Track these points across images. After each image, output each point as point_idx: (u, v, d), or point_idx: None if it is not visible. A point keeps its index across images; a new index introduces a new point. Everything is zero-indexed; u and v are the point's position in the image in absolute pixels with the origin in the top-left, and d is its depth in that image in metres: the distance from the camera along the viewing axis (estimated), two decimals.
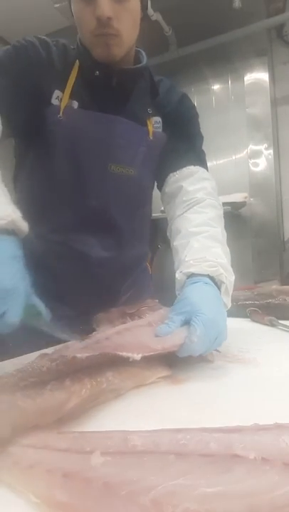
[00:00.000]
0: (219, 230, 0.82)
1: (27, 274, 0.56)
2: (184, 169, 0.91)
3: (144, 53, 0.91)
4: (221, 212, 0.89)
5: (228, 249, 0.79)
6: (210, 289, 0.67)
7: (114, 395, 0.48)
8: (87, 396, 0.43)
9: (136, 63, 0.88)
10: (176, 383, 0.52)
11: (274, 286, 1.20)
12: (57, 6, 2.46)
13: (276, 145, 2.53)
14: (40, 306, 0.56)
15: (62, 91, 0.82)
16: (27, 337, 0.80)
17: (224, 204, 2.52)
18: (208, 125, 2.59)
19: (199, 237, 0.78)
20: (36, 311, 0.55)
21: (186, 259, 0.73)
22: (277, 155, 2.53)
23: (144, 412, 0.45)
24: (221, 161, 2.59)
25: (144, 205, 0.97)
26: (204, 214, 0.84)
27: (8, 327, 0.49)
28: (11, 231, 0.57)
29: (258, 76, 2.49)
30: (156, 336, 0.56)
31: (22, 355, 0.70)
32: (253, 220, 2.44)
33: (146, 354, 0.50)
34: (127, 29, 0.78)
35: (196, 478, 0.28)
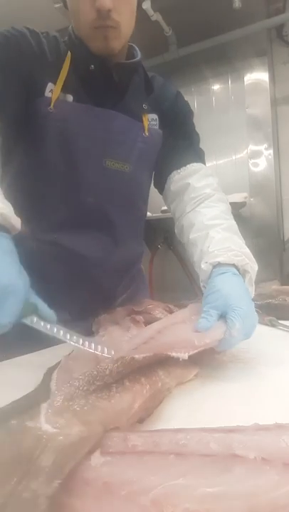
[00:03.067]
0: (234, 223, 0.83)
1: (24, 271, 0.54)
2: (189, 166, 0.91)
3: (137, 48, 0.90)
4: (228, 205, 0.89)
5: (244, 241, 0.80)
6: (238, 280, 0.67)
7: (167, 393, 0.49)
8: (149, 395, 0.43)
9: (129, 57, 0.87)
10: (176, 383, 0.52)
11: (274, 286, 1.20)
12: (57, 6, 2.45)
13: (276, 145, 2.53)
14: (42, 305, 0.54)
15: (55, 83, 0.79)
16: (27, 337, 0.80)
17: None
18: (208, 125, 2.60)
19: (218, 228, 0.78)
20: (35, 310, 0.53)
21: (210, 250, 0.73)
22: (277, 155, 2.53)
23: None
24: (221, 161, 2.58)
25: (140, 203, 0.96)
26: (216, 208, 0.85)
27: (2, 327, 0.47)
28: (2, 227, 0.56)
29: (258, 76, 2.48)
30: (197, 330, 0.56)
31: (22, 354, 0.70)
32: (253, 220, 2.44)
33: (192, 352, 0.51)
34: (126, 21, 0.76)
35: (196, 478, 0.28)
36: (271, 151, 2.44)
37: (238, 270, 0.70)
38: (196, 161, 0.93)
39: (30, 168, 0.83)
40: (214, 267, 0.70)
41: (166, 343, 0.54)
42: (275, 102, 2.55)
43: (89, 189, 0.83)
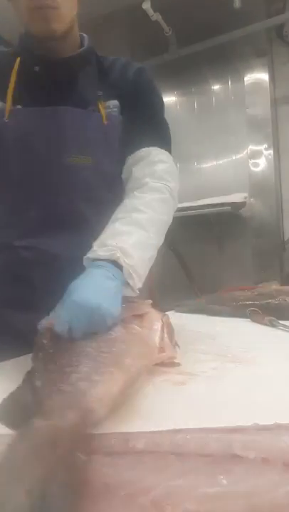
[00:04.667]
0: (146, 216, 0.77)
1: None
2: (137, 152, 0.86)
3: (86, 36, 0.88)
4: (165, 196, 0.83)
5: (150, 235, 0.76)
6: (99, 270, 0.66)
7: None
8: (123, 382, 0.45)
9: (80, 47, 0.86)
10: (176, 383, 0.52)
11: (274, 286, 1.20)
12: None
13: (276, 145, 2.53)
14: None
15: (5, 95, 0.81)
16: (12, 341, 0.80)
17: (224, 204, 2.53)
18: (208, 125, 2.61)
19: (117, 223, 0.76)
20: None
21: (93, 245, 0.72)
22: (278, 155, 2.53)
23: (144, 412, 0.44)
24: (221, 161, 2.58)
25: (114, 193, 0.91)
26: (139, 199, 0.80)
27: None
28: None
29: (258, 76, 2.48)
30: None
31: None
32: (253, 220, 2.44)
33: None
34: (66, 2, 0.74)
35: (196, 478, 0.28)
36: (271, 151, 2.44)
37: (117, 264, 0.68)
38: (148, 145, 0.87)
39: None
40: (90, 262, 0.70)
41: None
42: (275, 102, 2.55)
43: (56, 189, 0.83)
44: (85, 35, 0.88)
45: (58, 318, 0.58)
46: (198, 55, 2.53)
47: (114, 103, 0.87)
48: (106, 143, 0.86)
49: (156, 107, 0.93)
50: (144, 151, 0.86)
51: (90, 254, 0.70)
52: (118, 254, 0.68)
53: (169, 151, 0.90)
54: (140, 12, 2.29)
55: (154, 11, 2.30)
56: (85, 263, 0.71)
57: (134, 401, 0.48)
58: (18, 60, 0.83)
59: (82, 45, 0.87)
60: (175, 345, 0.64)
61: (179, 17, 2.44)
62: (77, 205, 0.84)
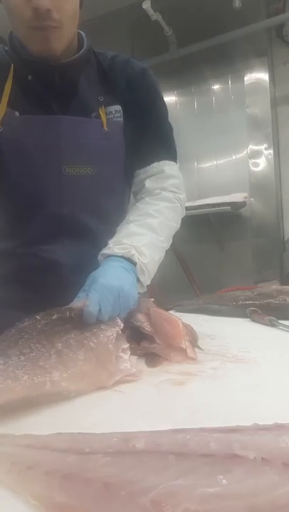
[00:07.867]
0: (157, 221, 0.81)
1: None
2: (148, 168, 0.86)
3: (83, 34, 0.82)
4: (176, 205, 0.86)
5: (161, 238, 0.80)
6: (116, 264, 0.71)
7: (62, 398, 0.48)
8: (23, 395, 0.44)
9: (79, 48, 0.80)
10: (176, 383, 0.52)
11: (274, 286, 1.20)
12: None
13: (276, 145, 2.53)
14: None
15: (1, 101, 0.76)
16: None
17: (224, 204, 2.53)
18: (208, 125, 2.61)
19: (131, 224, 0.80)
20: None
21: (108, 243, 0.76)
22: (277, 155, 2.53)
23: (144, 412, 0.44)
24: (221, 161, 2.58)
25: (116, 201, 0.91)
26: (151, 205, 0.83)
27: None
28: None
29: (258, 76, 2.49)
30: None
31: None
32: (253, 220, 2.44)
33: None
34: (68, 20, 0.69)
35: (196, 478, 0.27)
36: (271, 151, 2.44)
37: (131, 261, 0.72)
38: (160, 159, 0.86)
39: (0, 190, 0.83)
40: (105, 258, 0.74)
41: None
42: (275, 102, 2.55)
43: (54, 200, 0.82)
44: (82, 33, 0.82)
45: (90, 299, 0.60)
46: (198, 54, 2.53)
47: (116, 108, 0.83)
48: (107, 150, 0.84)
49: (163, 113, 0.91)
50: (155, 166, 0.87)
51: (105, 251, 0.74)
52: (133, 252, 0.72)
53: (176, 160, 0.91)
54: (140, 12, 2.29)
55: (154, 11, 2.30)
56: (99, 258, 0.75)
57: (134, 401, 0.48)
58: (12, 65, 0.78)
59: (80, 44, 0.81)
60: (196, 347, 0.65)
61: (179, 17, 2.44)
62: (79, 215, 0.84)
